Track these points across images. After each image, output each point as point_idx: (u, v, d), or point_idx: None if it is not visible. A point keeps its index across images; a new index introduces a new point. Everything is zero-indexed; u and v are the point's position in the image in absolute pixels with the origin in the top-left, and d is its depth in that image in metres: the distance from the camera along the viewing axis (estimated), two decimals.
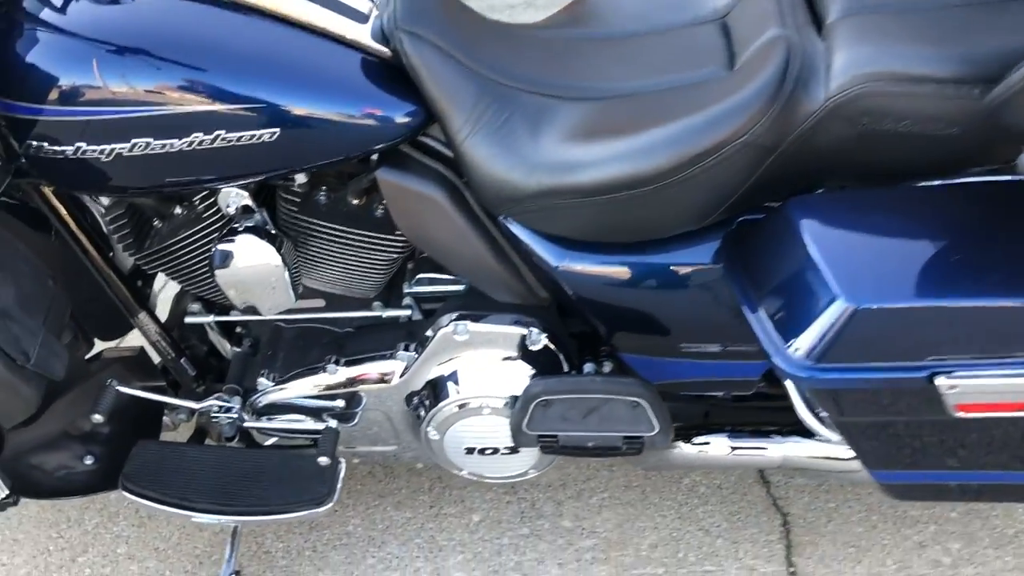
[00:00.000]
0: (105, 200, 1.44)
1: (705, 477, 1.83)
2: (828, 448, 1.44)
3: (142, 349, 1.66)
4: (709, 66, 1.27)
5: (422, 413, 1.48)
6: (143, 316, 1.57)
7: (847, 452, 1.40)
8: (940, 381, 1.07)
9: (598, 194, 1.21)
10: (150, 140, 1.19)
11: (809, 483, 1.78)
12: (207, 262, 1.44)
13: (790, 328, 1.12)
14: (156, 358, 1.64)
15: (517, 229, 1.32)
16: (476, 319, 1.43)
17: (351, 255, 1.45)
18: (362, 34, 1.28)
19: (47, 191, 1.41)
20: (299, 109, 1.22)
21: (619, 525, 1.74)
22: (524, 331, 1.42)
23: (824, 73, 1.13)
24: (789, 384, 1.29)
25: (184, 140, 1.20)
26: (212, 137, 1.20)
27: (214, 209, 1.39)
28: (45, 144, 1.21)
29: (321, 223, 1.42)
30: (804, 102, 1.14)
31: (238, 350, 1.63)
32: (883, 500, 1.74)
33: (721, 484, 1.81)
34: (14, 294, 1.29)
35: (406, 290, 1.55)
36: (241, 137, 1.20)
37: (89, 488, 1.57)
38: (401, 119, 1.27)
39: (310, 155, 1.26)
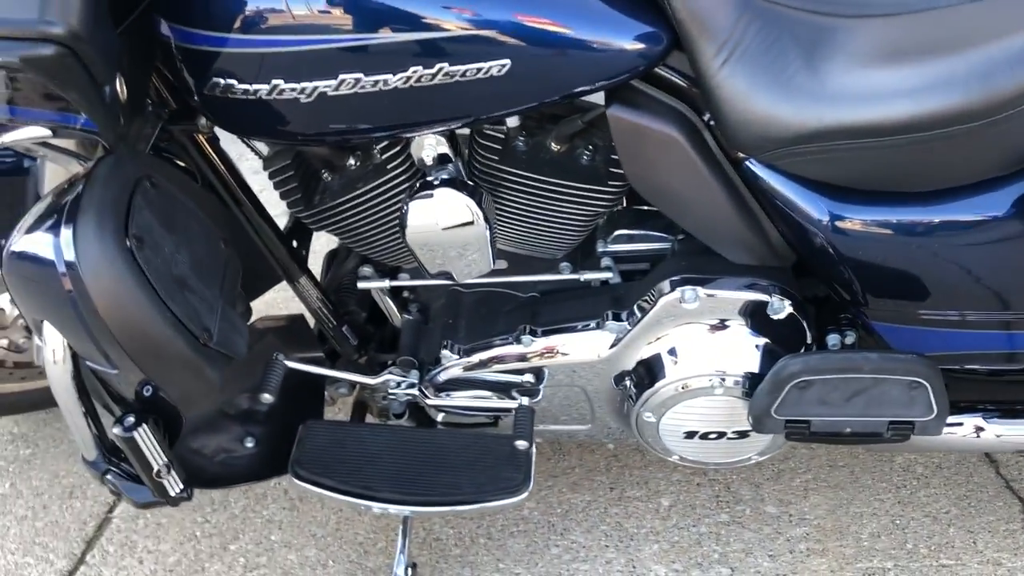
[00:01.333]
0: (267, 149, 1.25)
1: (922, 455, 1.61)
2: None
3: (300, 316, 1.48)
4: None
5: (635, 391, 1.28)
6: (304, 280, 1.39)
7: None
8: None
9: (904, 133, 0.98)
10: (360, 76, 0.98)
11: None
12: (389, 220, 1.25)
13: None
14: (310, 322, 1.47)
15: (772, 176, 1.10)
16: (705, 283, 1.22)
17: (552, 210, 1.24)
18: None
19: (202, 139, 1.23)
20: (532, 34, 1.00)
21: (831, 511, 1.54)
22: (766, 297, 1.20)
23: None
24: None
25: (401, 75, 0.99)
26: (434, 71, 0.99)
27: (401, 159, 1.19)
28: (233, 82, 1.01)
29: (522, 173, 1.21)
30: None
31: (409, 318, 1.45)
32: None
33: (941, 463, 1.60)
34: (189, 260, 1.10)
35: (602, 249, 1.35)
36: (467, 71, 0.99)
37: (254, 474, 1.40)
38: (644, 44, 1.04)
39: (541, 90, 1.05)
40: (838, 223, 1.09)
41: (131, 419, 1.10)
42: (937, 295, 1.15)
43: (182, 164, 1.26)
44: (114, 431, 1.11)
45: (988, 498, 1.54)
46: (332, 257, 1.56)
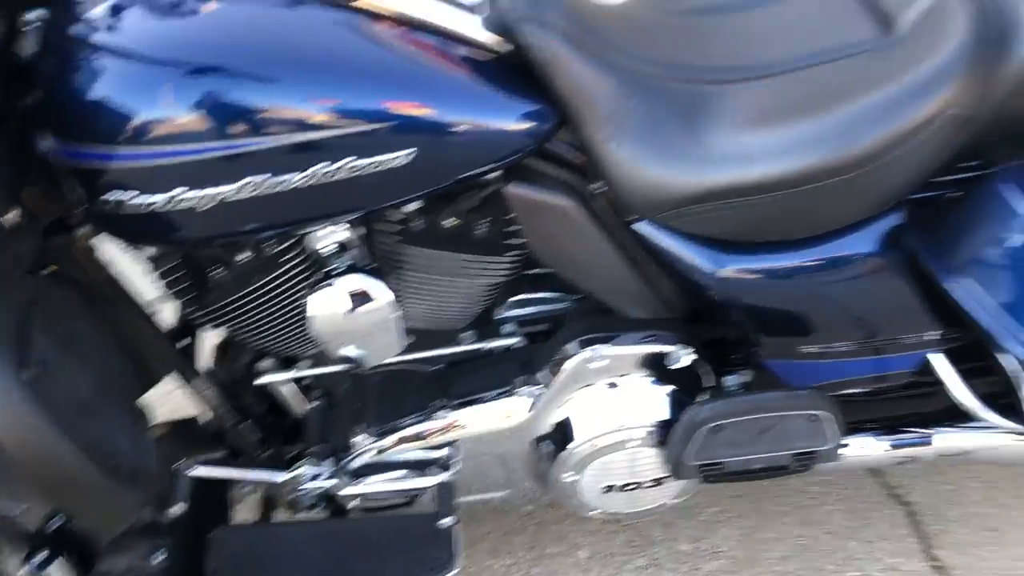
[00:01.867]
0: (154, 250, 1.21)
1: (812, 475, 1.71)
2: (990, 431, 1.34)
3: (194, 417, 1.43)
4: (862, 31, 1.13)
5: (552, 453, 1.31)
6: (202, 380, 1.34)
7: (1013, 436, 1.31)
8: None
9: (779, 189, 1.07)
10: (265, 177, 0.98)
11: (918, 467, 1.69)
12: (289, 312, 1.23)
13: None
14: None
15: (662, 235, 1.16)
16: (609, 341, 1.26)
17: (456, 283, 1.26)
18: (476, 27, 1.10)
19: (89, 245, 1.18)
20: (436, 122, 1.02)
21: (742, 541, 1.61)
22: (666, 348, 1.26)
23: (1022, 29, 1.01)
24: (945, 373, 1.20)
25: (306, 173, 0.99)
26: (339, 166, 0.99)
27: (298, 250, 1.18)
28: (126, 195, 0.98)
29: (423, 251, 1.22)
30: (1006, 64, 1.02)
31: (313, 406, 1.42)
32: (1002, 476, 1.67)
33: (831, 481, 1.70)
34: (90, 379, 1.05)
35: (503, 315, 1.38)
36: (373, 163, 1.00)
37: None
38: (534, 123, 1.09)
39: (441, 176, 1.07)
40: (725, 273, 1.16)
41: (43, 555, 1.03)
42: (819, 330, 1.23)
43: (64, 275, 1.20)
44: (22, 573, 1.03)
45: (878, 507, 1.65)
46: (223, 350, 1.52)
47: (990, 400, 1.29)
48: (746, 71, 1.13)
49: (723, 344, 1.35)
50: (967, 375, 1.28)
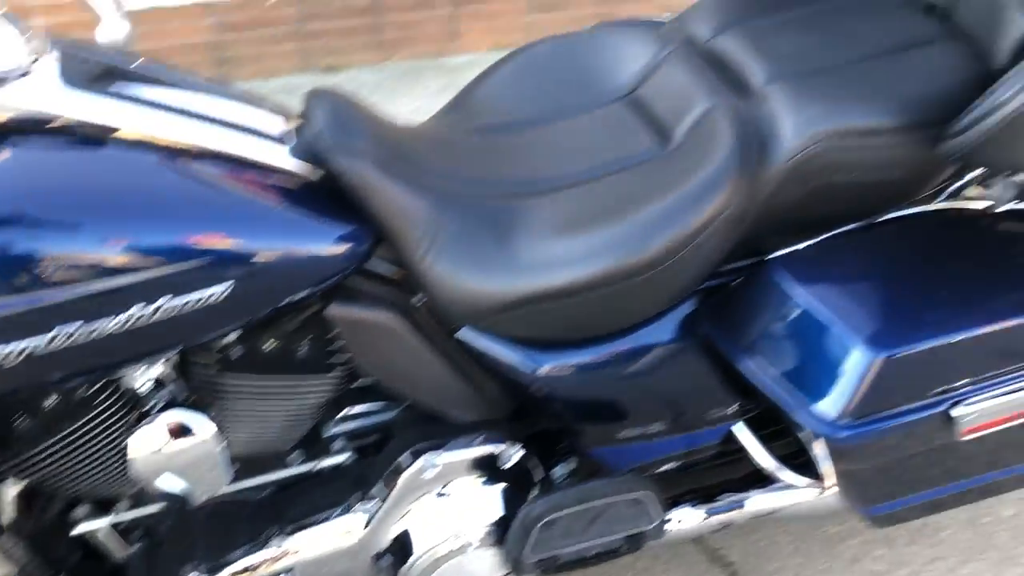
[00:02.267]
0: None
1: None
2: (792, 490, 1.47)
3: None
4: (644, 142, 1.26)
5: (394, 567, 1.31)
6: (6, 537, 1.24)
7: (811, 491, 1.44)
8: (957, 411, 1.13)
9: (586, 291, 1.15)
10: (77, 326, 0.94)
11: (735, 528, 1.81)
12: (105, 456, 1.18)
13: (815, 387, 1.13)
14: None
15: (483, 340, 1.22)
16: (440, 448, 1.29)
17: (281, 407, 1.25)
18: (284, 156, 1.12)
19: None
20: (251, 253, 1.03)
21: None
22: (497, 448, 1.30)
23: (778, 137, 1.16)
24: (747, 441, 1.32)
25: (120, 317, 0.96)
26: (155, 307, 0.97)
27: (111, 390, 1.13)
28: None
29: (245, 378, 1.21)
30: (767, 167, 1.16)
31: (134, 549, 1.34)
32: (803, 527, 1.81)
33: (656, 553, 1.79)
34: None
35: (330, 432, 1.37)
36: (190, 300, 0.99)
37: None
38: (351, 244, 1.12)
39: (261, 305, 1.07)
40: (544, 371, 1.22)
41: None
42: (633, 415, 1.32)
43: None
44: None
45: (703, 571, 1.74)
46: (27, 500, 1.41)
47: (788, 461, 1.41)
48: (545, 184, 1.22)
49: (548, 437, 1.41)
50: (768, 440, 1.40)
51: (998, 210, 1.26)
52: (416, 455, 1.28)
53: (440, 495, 1.30)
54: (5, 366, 0.94)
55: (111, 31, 1.08)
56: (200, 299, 1.00)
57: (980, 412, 1.14)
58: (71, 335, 0.94)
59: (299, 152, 1.12)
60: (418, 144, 1.24)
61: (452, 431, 1.31)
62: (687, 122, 1.23)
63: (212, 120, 1.09)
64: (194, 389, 1.19)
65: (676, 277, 1.17)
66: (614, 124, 1.31)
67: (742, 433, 1.40)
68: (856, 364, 1.09)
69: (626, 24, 1.48)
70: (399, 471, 1.27)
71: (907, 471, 1.24)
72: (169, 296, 0.98)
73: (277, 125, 1.15)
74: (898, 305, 1.14)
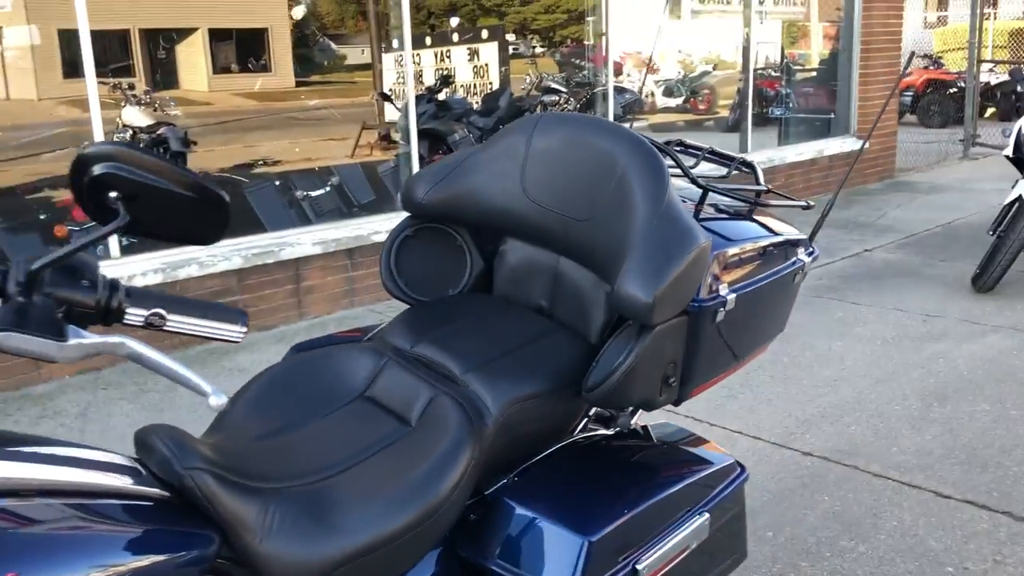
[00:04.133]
0: None
1: None
2: None
3: None
4: (388, 427, 1.72)
5: None
6: None
7: None
8: (641, 565, 1.69)
9: (386, 544, 1.53)
10: None
11: None
12: None
13: (550, 573, 1.62)
14: None
15: None
16: None
17: None
18: (130, 484, 1.37)
19: None
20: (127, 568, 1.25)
21: None
22: None
23: (485, 407, 1.71)
24: None
25: None
26: None
27: None
28: None
29: None
30: (481, 430, 1.69)
31: None
32: None
33: None
34: None
35: None
36: None
37: None
38: (204, 546, 1.39)
39: None
40: None
41: None
42: None
43: None
44: None
45: None
46: None
47: None
48: (330, 470, 1.60)
49: None
50: None
51: (618, 431, 1.94)
52: None
53: None
54: None
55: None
56: None
57: (656, 559, 1.73)
58: None
59: (147, 481, 1.39)
60: (226, 455, 1.56)
61: None
62: (418, 408, 1.73)
63: (66, 460, 1.32)
64: None
65: (446, 518, 1.62)
66: (361, 417, 1.75)
67: None
68: (575, 548, 1.61)
69: (327, 341, 1.97)
70: None
71: None
72: None
73: (104, 456, 1.40)
74: (584, 503, 1.71)
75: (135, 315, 1.07)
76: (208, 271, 4.93)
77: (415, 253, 2.14)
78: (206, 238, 1.16)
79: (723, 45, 12.01)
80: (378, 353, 1.86)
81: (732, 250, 1.93)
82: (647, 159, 1.83)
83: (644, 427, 2.06)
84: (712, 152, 2.28)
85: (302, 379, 1.83)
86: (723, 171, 2.25)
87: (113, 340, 1.06)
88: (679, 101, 14.46)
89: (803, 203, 2.22)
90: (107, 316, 1.04)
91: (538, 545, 1.65)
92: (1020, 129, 5.58)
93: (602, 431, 1.97)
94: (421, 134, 6.40)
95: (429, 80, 11.66)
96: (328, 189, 6.39)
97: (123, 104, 6.86)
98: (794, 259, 2.12)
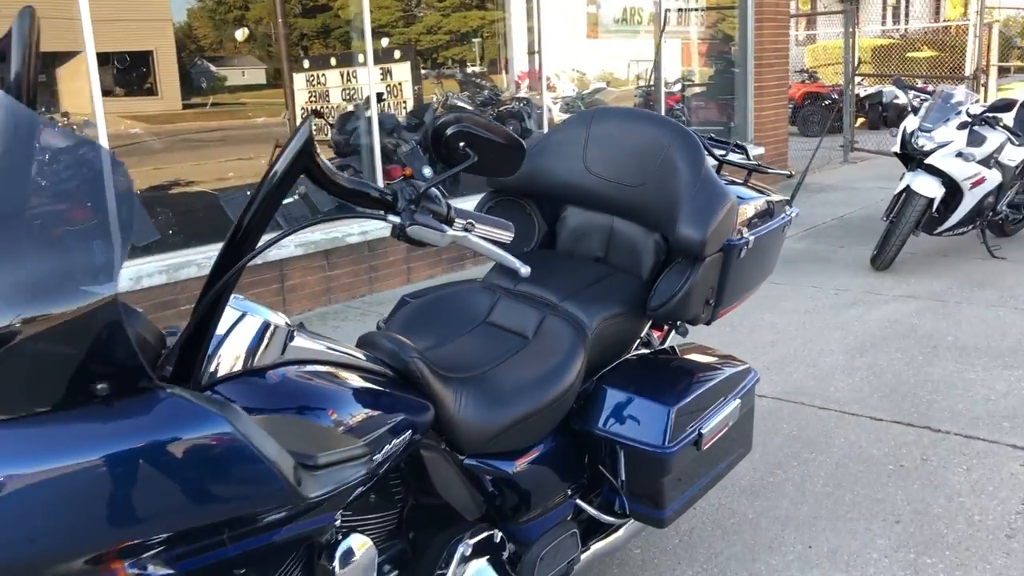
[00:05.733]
0: None
1: None
2: (618, 530, 2.51)
3: None
4: (514, 341, 2.30)
5: None
6: None
7: (625, 526, 2.52)
8: (704, 429, 2.33)
9: (532, 416, 2.11)
10: None
11: None
12: None
13: (649, 431, 2.24)
14: None
15: (472, 461, 2.08)
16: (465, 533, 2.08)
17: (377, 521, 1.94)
18: (372, 364, 1.92)
19: None
20: (413, 416, 1.81)
21: None
22: (491, 531, 2.13)
23: (583, 323, 2.32)
24: (587, 507, 2.37)
25: None
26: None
27: None
28: None
29: (362, 516, 1.89)
30: (585, 339, 2.30)
31: None
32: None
33: None
34: None
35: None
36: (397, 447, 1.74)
37: None
38: (426, 413, 1.94)
39: (400, 449, 1.84)
40: (512, 469, 2.12)
41: None
42: (536, 499, 2.27)
43: None
44: None
45: None
46: None
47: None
48: (486, 367, 2.17)
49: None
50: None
51: (660, 348, 2.58)
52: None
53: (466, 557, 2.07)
54: None
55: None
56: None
57: (711, 429, 2.36)
58: None
59: (379, 362, 1.93)
60: (438, 351, 2.11)
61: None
62: (532, 326, 2.32)
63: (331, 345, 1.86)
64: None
65: (568, 400, 2.21)
66: (490, 336, 2.32)
67: (582, 504, 2.41)
68: (663, 415, 2.23)
69: (457, 285, 2.55)
70: (453, 550, 2.02)
71: (682, 476, 2.38)
72: None
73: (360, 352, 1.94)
74: (660, 387, 2.33)
75: (460, 222, 1.62)
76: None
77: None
78: (510, 172, 1.72)
79: (617, 63, 12.85)
80: (491, 290, 2.44)
81: (747, 205, 2.60)
82: (687, 138, 2.48)
83: (672, 347, 2.70)
84: (711, 139, 2.97)
85: (436, 311, 2.40)
86: (720, 152, 2.94)
87: (459, 233, 1.62)
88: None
89: (786, 172, 2.93)
90: (446, 222, 1.60)
91: (633, 415, 2.27)
92: (904, 129, 6.55)
93: (645, 351, 2.60)
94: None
95: (336, 99, 12.11)
96: (296, 197, 6.83)
97: None
98: (783, 214, 2.81)
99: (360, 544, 1.78)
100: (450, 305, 2.43)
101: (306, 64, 10.63)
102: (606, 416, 2.30)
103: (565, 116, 15.66)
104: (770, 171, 2.85)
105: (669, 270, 2.46)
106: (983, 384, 4.35)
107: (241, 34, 9.93)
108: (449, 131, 1.58)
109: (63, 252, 1.16)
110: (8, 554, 1.08)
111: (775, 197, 2.83)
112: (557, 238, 2.79)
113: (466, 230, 1.61)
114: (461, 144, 1.59)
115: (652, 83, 10.58)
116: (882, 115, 17.69)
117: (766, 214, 2.73)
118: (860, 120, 17.82)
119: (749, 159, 2.92)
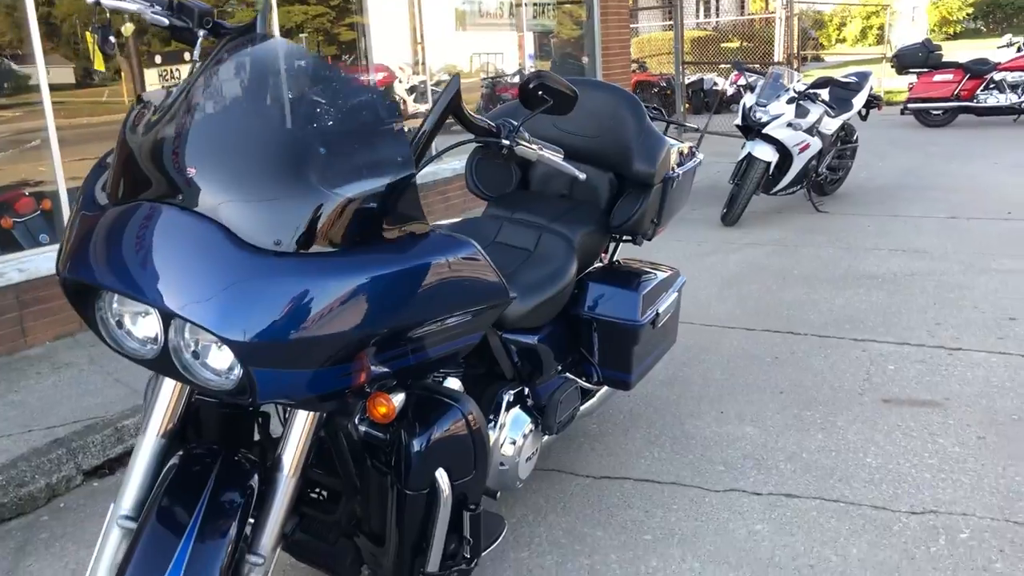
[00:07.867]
0: None
1: None
2: (599, 393, 3.34)
3: None
4: (520, 254, 3.07)
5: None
6: None
7: (601, 392, 3.36)
8: (660, 309, 3.19)
9: (546, 302, 2.90)
10: None
11: None
12: None
13: (624, 309, 3.08)
14: None
15: (511, 335, 2.85)
16: (509, 388, 2.85)
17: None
18: None
19: None
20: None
21: None
22: (521, 387, 2.90)
23: (571, 237, 3.13)
24: (577, 376, 3.21)
25: None
26: None
27: None
28: None
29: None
30: (574, 249, 3.11)
31: None
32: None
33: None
34: None
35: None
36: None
37: None
38: (508, 296, 2.69)
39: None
40: (531, 341, 2.91)
41: None
42: (551, 365, 3.06)
43: None
44: None
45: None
46: None
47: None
48: (506, 268, 2.94)
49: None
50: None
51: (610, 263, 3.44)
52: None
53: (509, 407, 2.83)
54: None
55: None
56: None
57: (663, 311, 3.22)
58: None
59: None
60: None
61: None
62: (532, 242, 3.10)
63: None
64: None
65: (568, 291, 3.00)
66: (502, 250, 3.08)
67: (571, 376, 3.22)
68: (636, 298, 3.08)
69: (465, 219, 3.28)
70: (500, 399, 2.78)
71: (643, 348, 3.22)
72: None
73: None
74: (626, 283, 3.17)
75: (537, 144, 2.38)
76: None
77: (483, 170, 3.49)
78: (568, 111, 2.45)
79: (461, 55, 13.65)
80: (495, 219, 3.21)
81: (674, 149, 3.49)
82: (631, 99, 3.34)
83: (618, 260, 3.55)
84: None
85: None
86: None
87: (542, 151, 2.37)
88: (428, 106, 16.02)
89: (695, 127, 3.86)
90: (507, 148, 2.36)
91: (612, 299, 3.11)
92: (744, 104, 7.75)
93: (600, 264, 3.45)
94: None
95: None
96: None
97: None
98: (695, 159, 3.72)
99: (454, 383, 2.53)
100: (466, 231, 3.17)
101: (156, 59, 10.85)
102: (591, 303, 3.13)
103: (421, 107, 16.50)
104: (686, 126, 3.79)
105: (623, 199, 3.31)
106: (826, 301, 5.50)
107: (128, 27, 10.07)
108: (532, 84, 2.33)
109: (385, 150, 1.85)
110: (369, 325, 1.77)
111: (687, 146, 3.73)
112: (530, 181, 3.57)
113: (542, 149, 2.37)
114: (540, 92, 2.34)
115: (497, 75, 11.46)
116: (704, 100, 19.45)
117: (686, 158, 3.63)
118: (685, 105, 19.53)
119: (666, 118, 3.81)
